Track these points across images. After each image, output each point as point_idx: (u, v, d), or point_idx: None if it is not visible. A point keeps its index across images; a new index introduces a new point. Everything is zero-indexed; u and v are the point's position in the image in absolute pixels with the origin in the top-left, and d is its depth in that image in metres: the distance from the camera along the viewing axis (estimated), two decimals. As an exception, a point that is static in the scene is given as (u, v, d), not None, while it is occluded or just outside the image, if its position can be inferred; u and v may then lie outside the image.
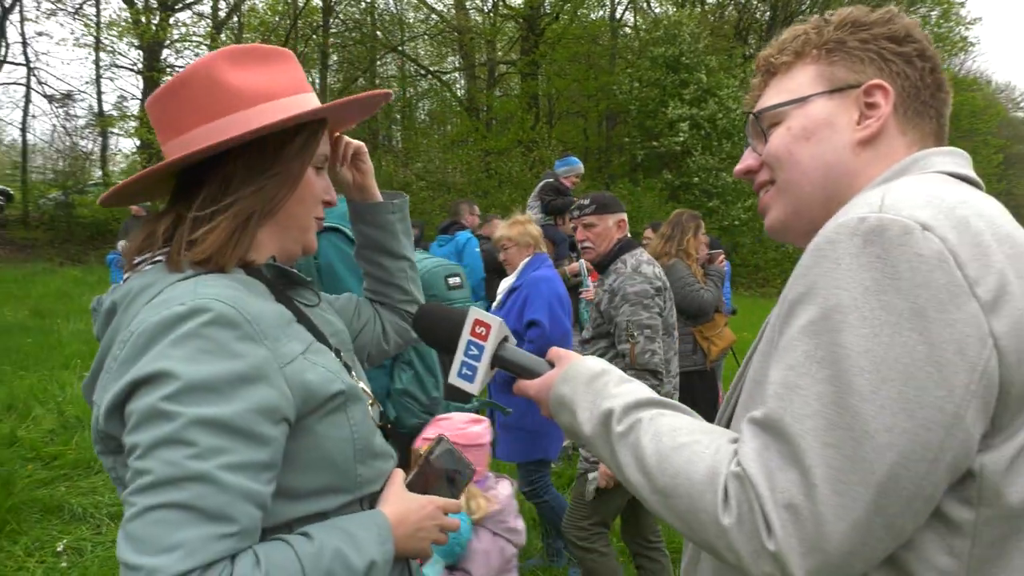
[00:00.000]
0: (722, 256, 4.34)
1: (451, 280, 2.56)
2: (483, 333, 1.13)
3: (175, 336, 0.86)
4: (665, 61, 21.96)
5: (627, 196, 21.35)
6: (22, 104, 21.71)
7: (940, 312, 0.71)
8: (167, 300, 0.91)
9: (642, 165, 23.58)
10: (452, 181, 23.59)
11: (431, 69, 27.55)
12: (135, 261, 1.02)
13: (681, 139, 20.89)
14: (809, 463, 0.72)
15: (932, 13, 25.07)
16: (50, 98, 22.18)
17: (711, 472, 0.80)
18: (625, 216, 3.17)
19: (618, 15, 27.70)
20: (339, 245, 2.21)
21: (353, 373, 1.12)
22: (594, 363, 1.04)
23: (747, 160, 1.05)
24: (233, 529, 0.83)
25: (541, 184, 5.79)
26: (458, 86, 28.04)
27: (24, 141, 22.27)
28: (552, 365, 1.10)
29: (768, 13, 25.32)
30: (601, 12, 27.11)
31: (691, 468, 0.82)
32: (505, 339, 1.16)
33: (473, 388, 1.13)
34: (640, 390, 0.98)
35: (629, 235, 3.17)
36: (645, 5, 27.56)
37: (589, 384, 1.00)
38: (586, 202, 3.14)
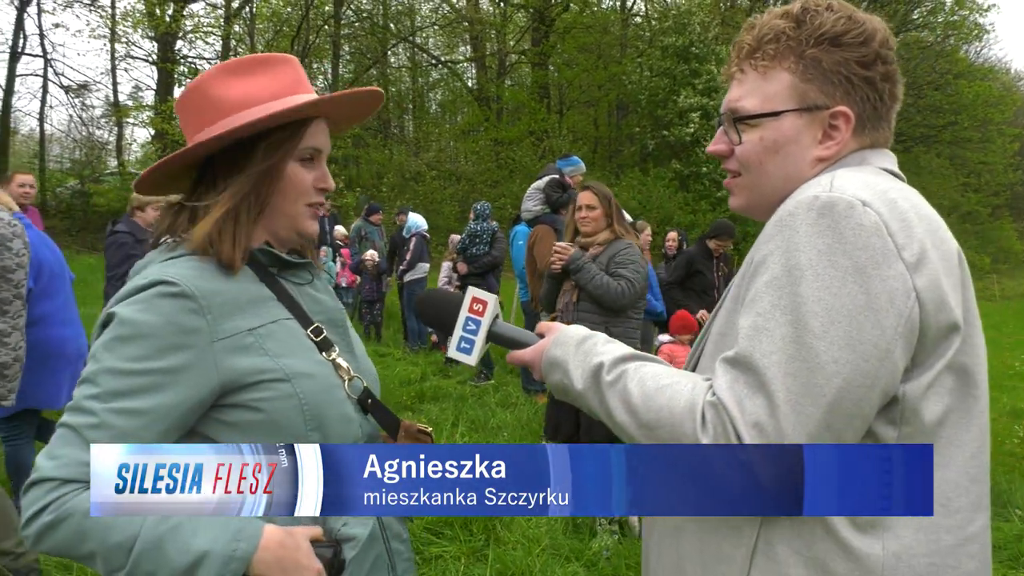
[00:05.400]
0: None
1: None
2: (480, 309, 1.24)
3: (134, 299, 1.08)
4: (675, 51, 21.93)
5: (637, 186, 21.40)
6: (39, 95, 22.20)
7: (876, 269, 0.90)
8: (144, 274, 1.12)
9: (652, 155, 23.59)
10: (463, 171, 23.70)
11: (442, 59, 27.64)
12: (153, 242, 1.23)
13: (691, 129, 20.87)
14: (773, 389, 0.89)
15: (946, 0, 24.82)
16: (67, 89, 22.54)
17: (690, 403, 0.95)
18: None
19: (629, 4, 27.62)
20: None
21: (335, 349, 1.25)
22: (581, 329, 1.19)
23: (720, 144, 1.18)
24: None
25: (548, 179, 6.01)
26: (468, 76, 28.12)
27: (42, 131, 22.70)
28: (541, 336, 1.24)
29: (780, 1, 25.11)
30: (611, 1, 27.03)
31: (672, 403, 0.96)
32: (496, 316, 1.27)
33: (471, 360, 1.24)
34: (623, 348, 1.12)
35: None
36: (657, -6, 27.41)
37: (579, 346, 1.14)
38: None
